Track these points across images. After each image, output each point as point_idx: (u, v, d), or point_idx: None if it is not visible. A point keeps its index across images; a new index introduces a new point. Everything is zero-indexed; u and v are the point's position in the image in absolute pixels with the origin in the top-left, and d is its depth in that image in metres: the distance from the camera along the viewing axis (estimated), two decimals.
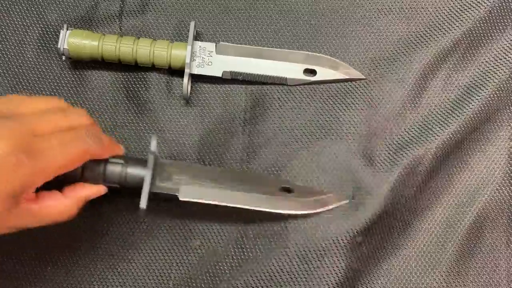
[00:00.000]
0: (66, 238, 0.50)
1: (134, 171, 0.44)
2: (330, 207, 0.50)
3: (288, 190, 0.50)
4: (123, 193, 0.47)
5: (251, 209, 0.48)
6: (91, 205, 0.51)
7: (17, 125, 0.37)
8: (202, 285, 0.50)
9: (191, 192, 0.46)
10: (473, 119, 0.53)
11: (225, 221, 0.51)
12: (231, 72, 0.53)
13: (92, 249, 0.50)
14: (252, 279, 0.49)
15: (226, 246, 0.51)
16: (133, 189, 0.45)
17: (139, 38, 0.53)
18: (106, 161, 0.44)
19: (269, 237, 0.51)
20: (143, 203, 0.43)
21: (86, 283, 0.49)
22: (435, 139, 0.53)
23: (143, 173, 0.44)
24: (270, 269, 0.50)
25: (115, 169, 0.44)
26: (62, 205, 0.41)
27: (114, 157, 0.44)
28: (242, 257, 0.51)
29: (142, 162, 0.45)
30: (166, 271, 0.50)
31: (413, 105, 0.54)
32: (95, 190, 0.43)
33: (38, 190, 0.39)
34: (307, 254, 0.50)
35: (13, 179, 0.35)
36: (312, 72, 0.54)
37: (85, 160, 0.40)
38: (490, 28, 0.56)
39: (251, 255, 0.51)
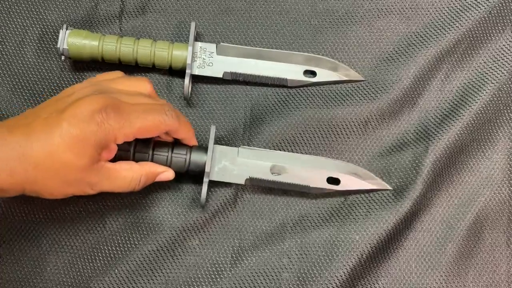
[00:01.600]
0: (65, 238, 0.51)
1: (196, 157, 0.49)
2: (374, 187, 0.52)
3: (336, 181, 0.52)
4: (124, 193, 0.47)
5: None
6: (91, 203, 0.51)
7: (110, 94, 0.43)
8: (203, 284, 0.50)
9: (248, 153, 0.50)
10: (473, 119, 0.53)
11: (224, 222, 0.52)
12: (231, 73, 0.53)
13: (91, 249, 0.50)
14: (252, 278, 0.49)
15: (225, 244, 0.51)
16: (196, 175, 0.50)
17: (139, 38, 0.52)
18: (173, 149, 0.48)
19: (269, 238, 0.51)
20: (203, 194, 0.48)
21: (84, 284, 0.49)
22: (434, 139, 0.53)
23: (204, 159, 0.49)
24: (271, 269, 0.50)
25: (180, 155, 0.48)
26: (134, 172, 0.45)
27: (178, 148, 0.49)
28: (243, 256, 0.51)
29: (203, 149, 0.49)
30: (165, 271, 0.50)
31: (412, 106, 0.54)
32: (164, 170, 0.48)
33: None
34: (307, 254, 0.50)
35: (101, 131, 0.40)
36: (312, 73, 0.54)
37: (161, 130, 0.45)
38: (489, 28, 0.56)
39: (251, 254, 0.51)
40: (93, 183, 0.43)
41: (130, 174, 0.45)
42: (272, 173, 0.50)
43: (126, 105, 0.43)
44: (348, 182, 0.51)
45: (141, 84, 0.47)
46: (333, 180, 0.51)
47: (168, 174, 0.48)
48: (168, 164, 0.48)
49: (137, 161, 0.47)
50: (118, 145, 0.43)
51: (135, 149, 0.47)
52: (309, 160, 0.51)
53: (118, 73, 0.48)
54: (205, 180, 0.48)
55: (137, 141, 0.47)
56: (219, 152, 0.50)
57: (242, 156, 0.50)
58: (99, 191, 0.44)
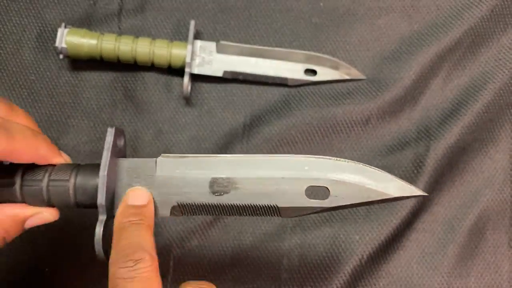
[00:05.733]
0: (63, 240, 0.50)
1: (85, 181, 0.33)
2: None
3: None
4: None
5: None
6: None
7: None
8: None
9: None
10: (474, 118, 0.53)
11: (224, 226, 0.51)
12: (231, 72, 0.53)
13: (90, 250, 0.50)
14: (252, 278, 0.49)
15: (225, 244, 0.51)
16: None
17: (138, 37, 0.52)
18: (47, 174, 0.34)
19: (269, 238, 0.51)
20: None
21: (84, 283, 0.49)
22: (436, 139, 0.53)
23: (96, 183, 0.33)
24: (271, 269, 0.50)
25: (59, 182, 0.33)
26: None
27: (59, 170, 0.34)
28: (243, 256, 0.50)
29: (96, 168, 0.33)
30: (165, 271, 0.50)
31: (413, 104, 0.54)
32: (34, 211, 0.34)
33: None
34: (307, 255, 0.50)
35: None
36: (313, 72, 0.54)
37: None
38: (491, 27, 0.56)
39: (251, 254, 0.50)
40: None
41: None
42: (214, 193, 0.33)
43: None
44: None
45: None
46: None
47: (42, 215, 0.34)
48: (46, 197, 0.33)
49: (0, 200, 0.33)
50: None
51: None
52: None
53: None
54: (101, 218, 0.33)
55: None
56: (126, 169, 0.34)
57: (163, 171, 0.34)
58: None
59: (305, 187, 0.32)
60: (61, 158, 0.35)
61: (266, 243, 0.51)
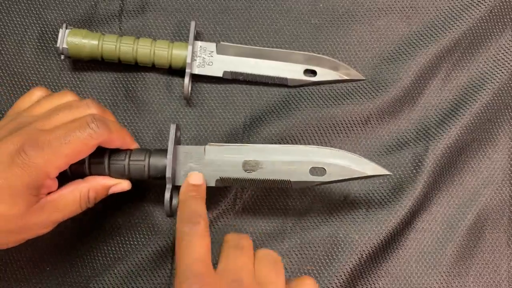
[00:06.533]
0: (64, 239, 0.50)
1: (155, 161, 0.45)
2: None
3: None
4: (125, 193, 0.47)
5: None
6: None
7: (25, 128, 0.40)
8: None
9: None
10: (473, 119, 0.53)
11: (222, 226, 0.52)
12: (231, 72, 0.53)
13: (89, 250, 0.50)
14: None
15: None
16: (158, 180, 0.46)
17: (139, 38, 0.52)
18: (127, 156, 0.45)
19: (269, 238, 0.51)
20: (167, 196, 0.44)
21: (83, 284, 0.49)
22: (435, 139, 0.53)
23: (165, 162, 0.44)
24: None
25: (137, 162, 0.45)
26: (81, 190, 0.43)
27: (136, 153, 0.45)
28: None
29: (163, 152, 0.45)
30: (165, 271, 0.50)
31: (412, 105, 0.54)
32: (116, 182, 0.45)
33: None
34: (306, 254, 0.50)
35: (27, 173, 0.38)
36: (313, 72, 0.54)
37: (92, 146, 0.41)
38: (490, 28, 0.56)
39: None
40: (42, 222, 0.40)
41: (78, 194, 0.42)
42: (246, 170, 0.45)
43: (46, 135, 0.39)
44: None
45: (63, 99, 0.44)
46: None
47: (122, 185, 0.45)
48: (126, 172, 0.45)
49: (93, 174, 0.44)
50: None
51: (90, 161, 0.44)
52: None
53: (37, 93, 0.46)
54: (168, 186, 0.44)
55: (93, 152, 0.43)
56: (183, 153, 0.46)
57: (210, 155, 0.45)
58: (54, 225, 0.42)
59: (309, 168, 0.45)
60: (137, 145, 0.46)
61: (266, 243, 0.51)
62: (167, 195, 0.44)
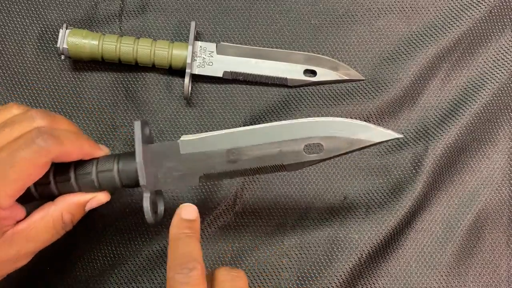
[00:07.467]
0: (64, 239, 0.50)
1: (125, 167, 0.39)
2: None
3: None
4: (125, 193, 0.47)
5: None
6: None
7: None
8: None
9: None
10: (473, 119, 0.54)
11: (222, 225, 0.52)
12: (231, 72, 0.53)
13: (89, 250, 0.50)
14: (251, 278, 0.49)
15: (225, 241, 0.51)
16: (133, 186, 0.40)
17: (139, 38, 0.52)
18: (94, 166, 0.39)
19: (269, 238, 0.51)
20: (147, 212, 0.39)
21: (83, 283, 0.49)
22: (434, 139, 0.53)
23: (135, 167, 0.38)
24: (271, 269, 0.50)
25: (105, 171, 0.39)
26: (52, 214, 0.38)
27: (103, 161, 0.39)
28: (242, 256, 0.51)
29: (133, 156, 0.39)
30: (165, 271, 0.50)
31: (412, 105, 0.54)
32: (91, 196, 0.39)
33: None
34: (306, 254, 0.50)
35: None
36: (313, 72, 0.54)
37: (44, 164, 0.36)
38: (489, 28, 0.56)
39: (250, 254, 0.51)
40: (14, 256, 0.37)
41: (50, 220, 0.37)
42: (230, 161, 0.39)
43: None
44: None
45: (7, 115, 0.38)
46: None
47: (98, 198, 0.39)
48: (97, 185, 0.39)
49: (62, 193, 0.39)
50: (36, 182, 0.36)
51: (55, 180, 0.38)
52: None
53: None
54: (145, 195, 0.38)
55: (56, 168, 0.39)
56: (156, 153, 0.39)
57: (186, 150, 0.39)
58: (30, 257, 0.38)
59: (303, 146, 0.38)
60: (101, 152, 0.40)
61: (266, 243, 0.51)
62: (145, 204, 0.38)
